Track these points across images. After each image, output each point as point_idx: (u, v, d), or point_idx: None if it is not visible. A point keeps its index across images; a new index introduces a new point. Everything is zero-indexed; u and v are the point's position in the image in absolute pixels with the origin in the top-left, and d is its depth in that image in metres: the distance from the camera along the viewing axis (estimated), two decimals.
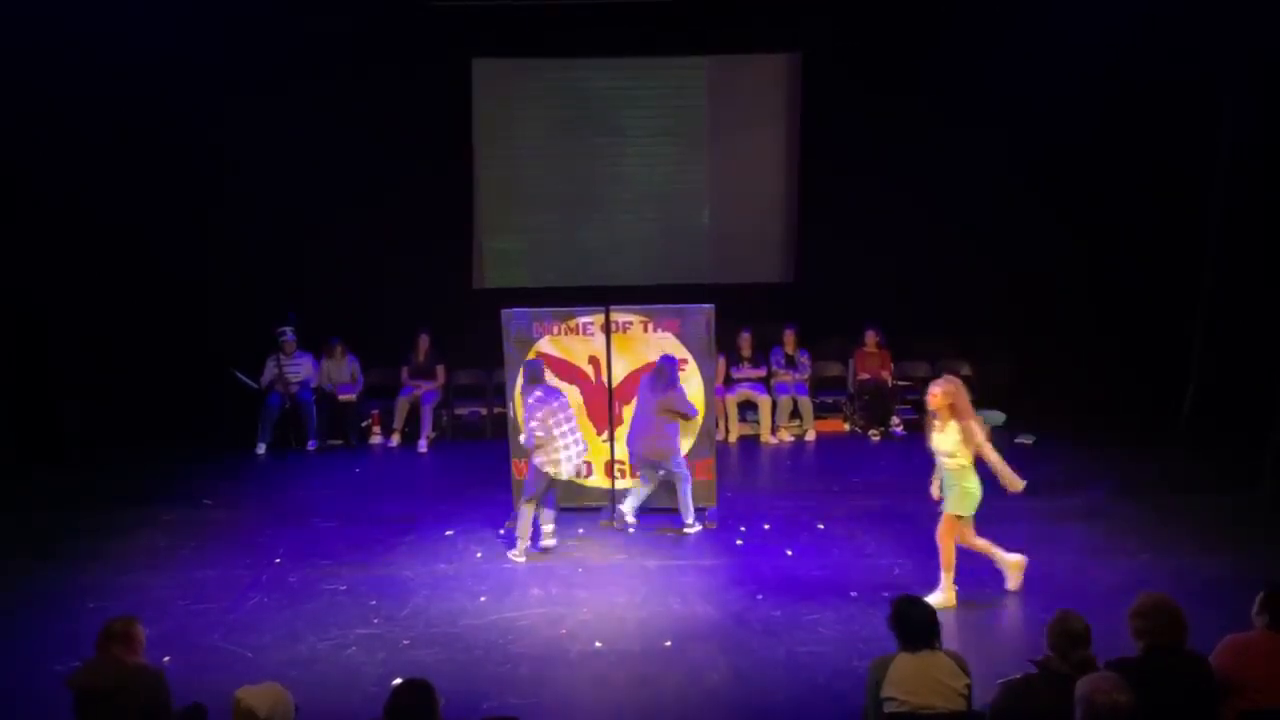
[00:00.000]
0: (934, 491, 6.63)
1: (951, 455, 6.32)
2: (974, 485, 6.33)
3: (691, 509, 7.81)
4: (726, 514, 8.08)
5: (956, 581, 6.43)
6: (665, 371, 7.73)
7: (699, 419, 8.02)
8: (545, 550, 7.39)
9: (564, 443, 7.19)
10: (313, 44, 10.33)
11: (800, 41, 11.06)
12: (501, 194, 11.53)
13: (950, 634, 4.79)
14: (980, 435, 6.29)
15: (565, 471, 7.24)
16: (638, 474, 8.06)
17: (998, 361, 11.10)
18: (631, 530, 7.81)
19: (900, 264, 10.89)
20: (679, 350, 8.05)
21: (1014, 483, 6.32)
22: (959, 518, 6.35)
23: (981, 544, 6.48)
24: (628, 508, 7.90)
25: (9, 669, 5.72)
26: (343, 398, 10.60)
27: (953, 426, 6.30)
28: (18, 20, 8.84)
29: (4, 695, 5.45)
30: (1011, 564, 6.53)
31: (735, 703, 5.37)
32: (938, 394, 6.34)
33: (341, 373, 10.76)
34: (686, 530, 7.78)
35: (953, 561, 6.36)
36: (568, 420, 7.27)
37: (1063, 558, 7.08)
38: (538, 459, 7.20)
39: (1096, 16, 9.65)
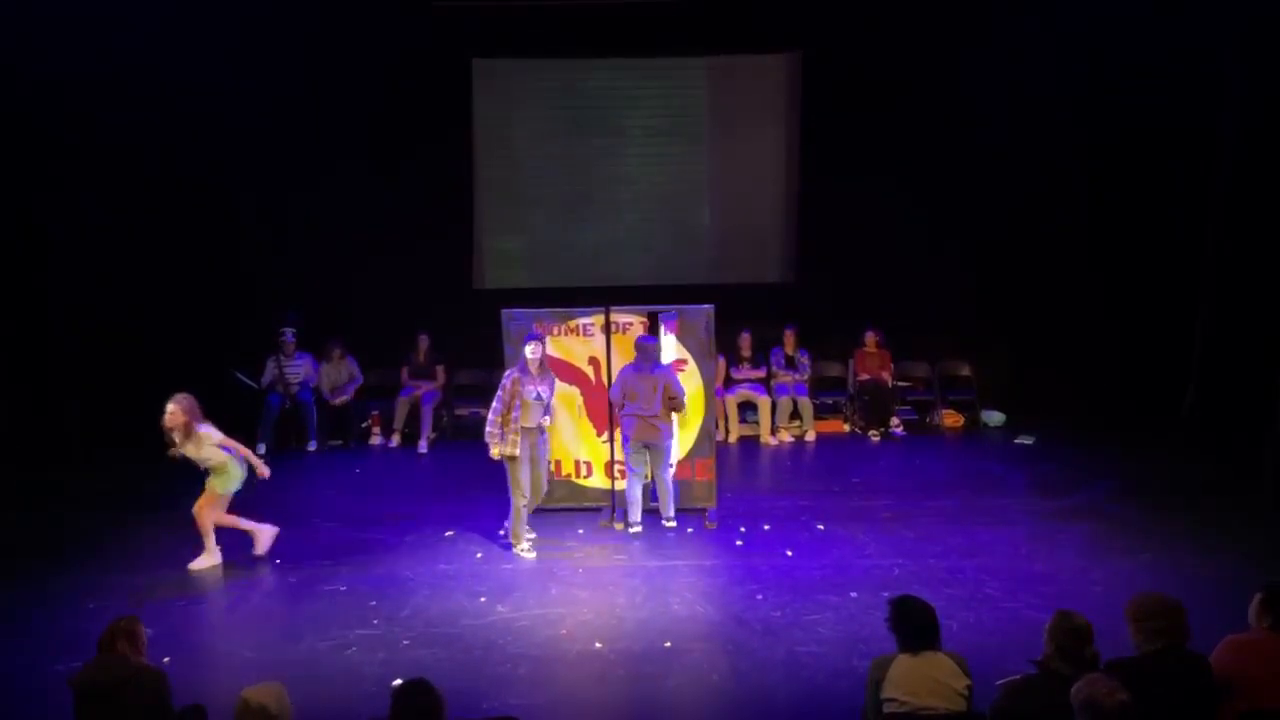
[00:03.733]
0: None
1: (207, 460, 7.09)
2: (235, 470, 7.14)
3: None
4: (726, 514, 8.08)
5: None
6: (649, 350, 7.68)
7: (689, 412, 8.02)
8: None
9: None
10: (312, 44, 10.35)
11: (800, 41, 11.06)
12: (501, 194, 11.53)
13: (950, 634, 4.78)
14: (217, 437, 7.09)
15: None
16: (631, 468, 7.84)
17: (998, 361, 11.12)
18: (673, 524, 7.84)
19: (900, 264, 10.89)
20: (679, 350, 8.05)
21: (261, 469, 7.27)
22: (218, 494, 7.13)
23: (230, 520, 7.25)
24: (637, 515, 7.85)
25: (9, 669, 5.72)
26: (336, 402, 10.59)
27: (197, 438, 7.00)
28: (17, 19, 8.85)
29: (4, 695, 5.45)
30: (261, 533, 7.35)
31: (735, 703, 5.36)
32: (174, 412, 6.97)
33: (340, 376, 10.76)
34: (668, 524, 7.86)
35: (210, 528, 7.17)
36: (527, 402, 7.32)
37: (1063, 558, 7.08)
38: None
39: (1097, 15, 9.66)
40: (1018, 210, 10.73)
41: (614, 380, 7.80)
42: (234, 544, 7.54)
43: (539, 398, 7.33)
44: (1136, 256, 10.50)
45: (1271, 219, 9.36)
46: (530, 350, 7.34)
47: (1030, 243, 10.84)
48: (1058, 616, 4.01)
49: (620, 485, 8.15)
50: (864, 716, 4.27)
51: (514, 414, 7.26)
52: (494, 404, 7.35)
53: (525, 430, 7.31)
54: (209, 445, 7.07)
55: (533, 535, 7.57)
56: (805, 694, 5.37)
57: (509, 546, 7.48)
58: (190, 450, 7.05)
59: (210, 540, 7.22)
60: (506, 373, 7.44)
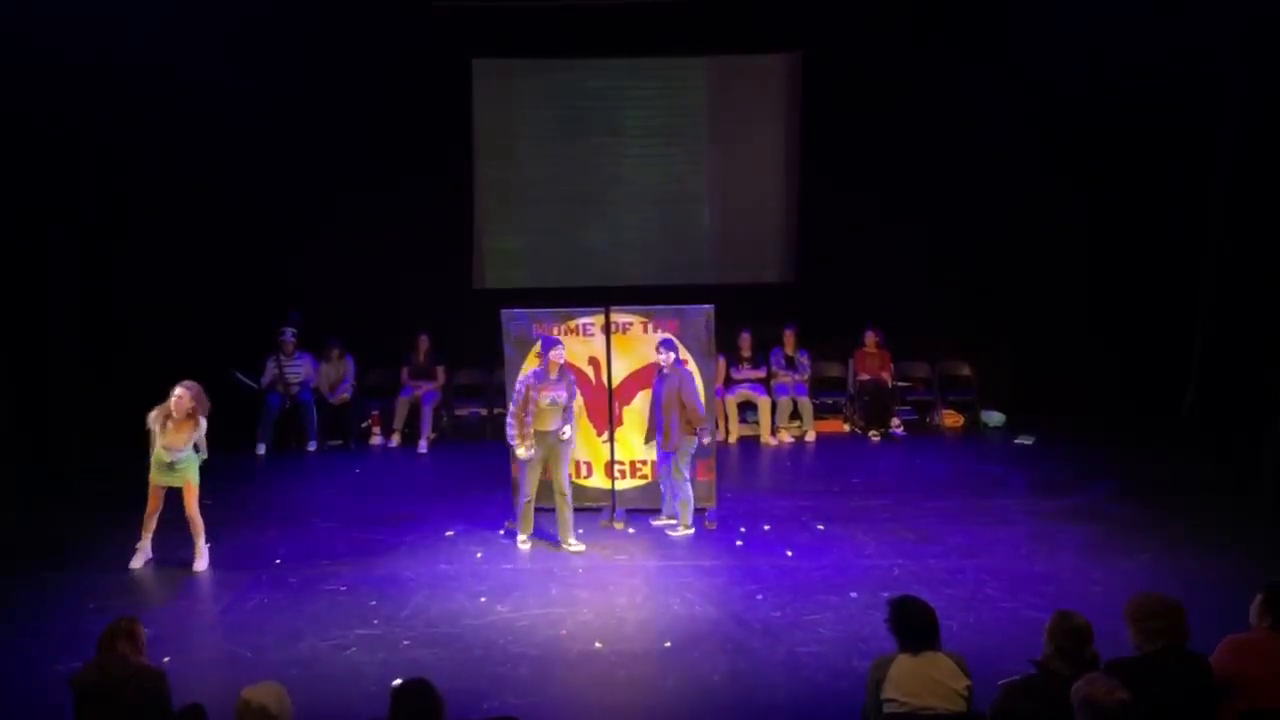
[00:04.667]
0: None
1: (185, 451, 7.05)
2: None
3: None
4: (726, 514, 8.08)
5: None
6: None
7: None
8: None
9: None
10: (313, 44, 10.35)
11: (800, 41, 11.07)
12: (501, 194, 11.53)
13: (949, 634, 4.78)
14: (204, 428, 7.08)
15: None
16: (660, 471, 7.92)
17: (998, 362, 11.12)
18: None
19: (900, 264, 10.89)
20: (679, 351, 8.04)
21: None
22: (195, 485, 7.15)
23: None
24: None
25: (9, 669, 5.72)
26: (335, 401, 10.60)
27: (195, 427, 7.05)
28: (18, 18, 8.85)
29: (4, 695, 5.44)
30: (201, 549, 7.19)
31: (735, 703, 5.36)
32: (183, 397, 6.97)
33: (339, 376, 10.76)
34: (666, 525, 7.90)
35: (202, 526, 7.18)
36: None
37: (1063, 558, 7.08)
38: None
39: (1097, 15, 9.67)
40: (1018, 210, 10.73)
41: (699, 388, 7.72)
42: (238, 546, 7.55)
43: (554, 402, 7.28)
44: (1136, 256, 10.50)
45: (1271, 219, 9.37)
46: (554, 355, 7.28)
47: (1030, 243, 10.84)
48: (1057, 617, 4.01)
49: (621, 485, 8.18)
50: (864, 716, 4.27)
51: (528, 417, 7.25)
52: (510, 405, 7.40)
53: (540, 434, 7.30)
54: (194, 437, 7.07)
55: (580, 548, 7.41)
56: (805, 694, 5.37)
57: (509, 547, 7.49)
58: (180, 439, 7.00)
59: (201, 538, 7.20)
60: (521, 376, 7.41)
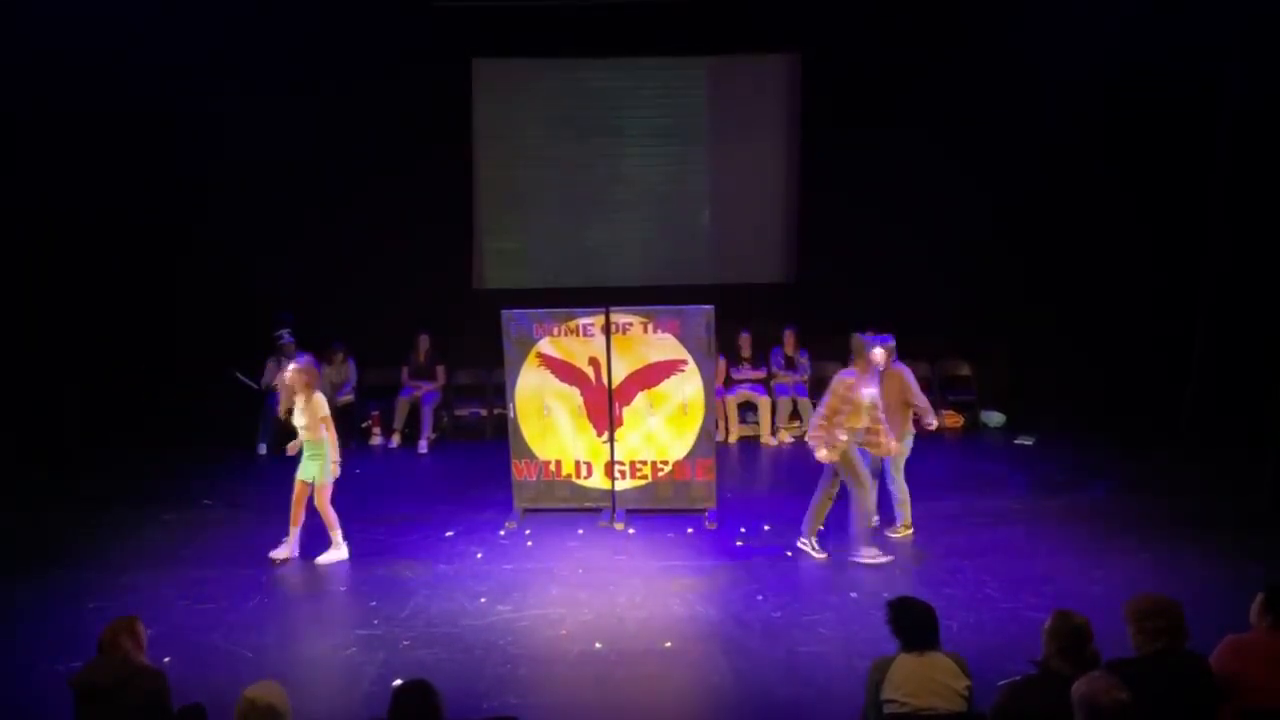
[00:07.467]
0: (290, 450, 7.52)
1: (308, 429, 7.21)
2: (333, 454, 7.25)
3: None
4: (726, 514, 8.08)
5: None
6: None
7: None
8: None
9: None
10: (313, 43, 10.35)
11: (800, 41, 11.06)
12: (501, 194, 11.53)
13: (949, 634, 4.78)
14: (324, 410, 7.22)
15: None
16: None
17: (998, 361, 11.11)
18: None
19: (900, 264, 10.89)
20: (679, 351, 8.04)
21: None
22: (325, 482, 7.22)
23: (332, 515, 7.31)
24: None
25: (9, 669, 5.73)
26: (337, 403, 10.59)
27: (311, 403, 7.17)
28: (16, 17, 8.85)
29: (4, 695, 5.45)
30: (339, 544, 7.33)
31: (735, 703, 5.36)
32: (296, 371, 7.23)
33: (342, 379, 10.75)
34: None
35: (334, 519, 7.28)
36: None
37: (1063, 558, 7.08)
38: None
39: (1097, 16, 9.67)
40: (1018, 210, 10.74)
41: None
42: (238, 545, 7.54)
43: (873, 400, 7.06)
44: (1137, 256, 10.50)
45: (1272, 219, 9.36)
46: (878, 355, 7.08)
47: (1030, 242, 10.84)
48: (1057, 617, 4.02)
49: (621, 486, 8.17)
50: (864, 717, 4.27)
51: (840, 416, 6.97)
52: (819, 407, 7.10)
53: (852, 431, 7.05)
54: (314, 417, 7.18)
55: (876, 560, 7.07)
56: (805, 694, 5.37)
57: (509, 547, 7.47)
58: (298, 418, 7.20)
59: (337, 533, 7.31)
60: (837, 375, 7.10)
